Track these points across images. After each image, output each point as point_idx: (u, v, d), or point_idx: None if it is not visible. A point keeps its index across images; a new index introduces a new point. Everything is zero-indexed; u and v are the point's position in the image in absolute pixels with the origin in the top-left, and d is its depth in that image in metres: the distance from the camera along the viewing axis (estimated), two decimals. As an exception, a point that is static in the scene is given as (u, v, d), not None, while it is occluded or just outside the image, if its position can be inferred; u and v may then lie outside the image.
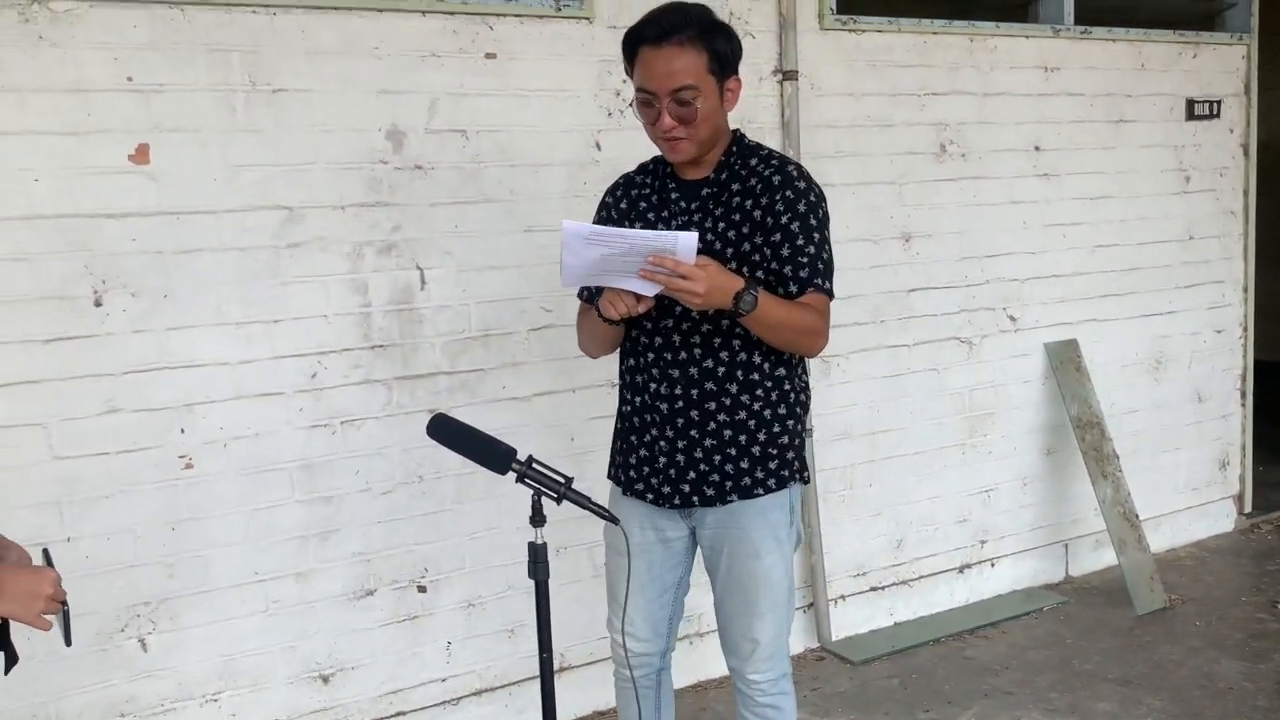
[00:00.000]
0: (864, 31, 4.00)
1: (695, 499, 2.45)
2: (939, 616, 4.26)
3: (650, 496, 2.49)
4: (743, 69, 3.68)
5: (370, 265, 3.20)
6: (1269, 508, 5.33)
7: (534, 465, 2.23)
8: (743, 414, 2.41)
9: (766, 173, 2.37)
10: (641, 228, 2.41)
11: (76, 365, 2.88)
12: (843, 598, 4.13)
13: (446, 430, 2.27)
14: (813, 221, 2.34)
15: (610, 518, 2.27)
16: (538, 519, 2.25)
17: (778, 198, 2.33)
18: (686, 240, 2.11)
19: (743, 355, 2.39)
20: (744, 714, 2.59)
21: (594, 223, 2.49)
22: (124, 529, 2.96)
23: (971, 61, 4.24)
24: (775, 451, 2.43)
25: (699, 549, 2.57)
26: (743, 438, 2.41)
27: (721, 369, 2.39)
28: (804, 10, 3.84)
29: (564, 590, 3.56)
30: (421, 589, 3.37)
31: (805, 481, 2.51)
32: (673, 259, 2.11)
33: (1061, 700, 3.59)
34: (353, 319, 3.19)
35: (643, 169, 2.54)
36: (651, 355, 2.44)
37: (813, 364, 3.97)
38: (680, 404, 2.42)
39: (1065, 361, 4.51)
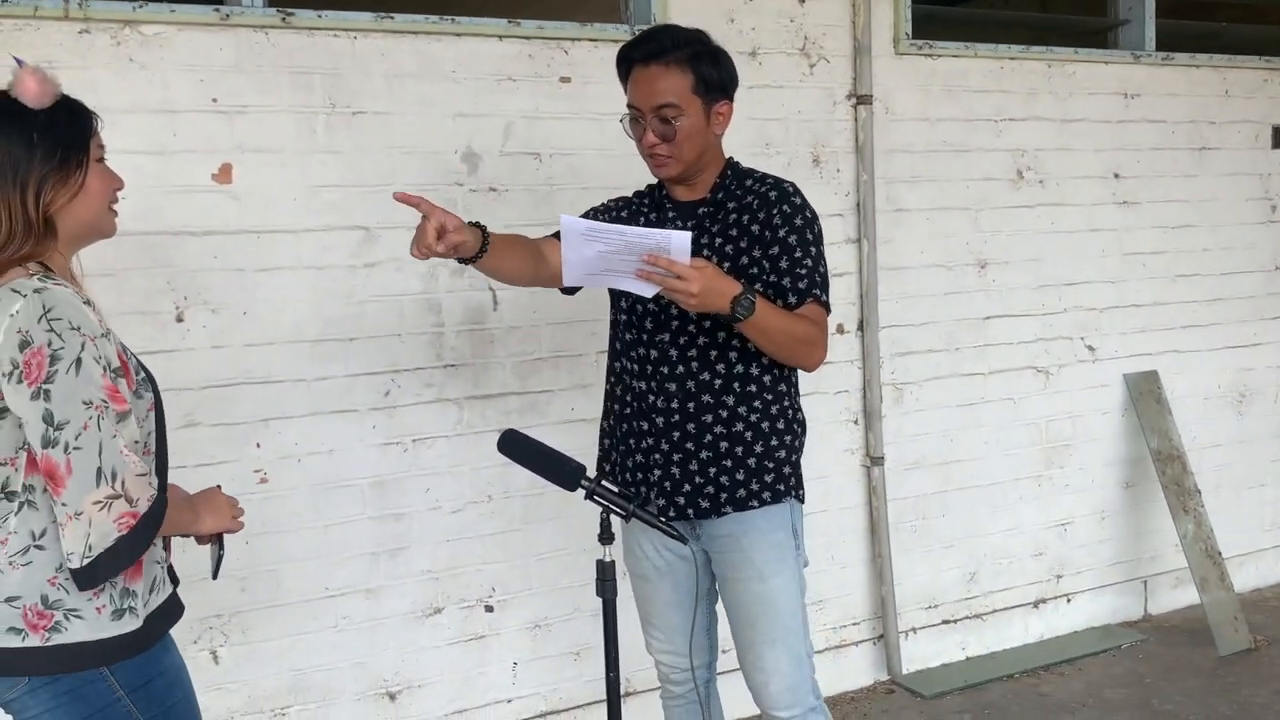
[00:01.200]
0: (939, 56, 3.97)
1: (690, 511, 2.44)
2: (1012, 652, 4.17)
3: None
4: (816, 93, 3.76)
5: (444, 285, 3.23)
6: None
7: (603, 483, 2.23)
8: (739, 426, 2.41)
9: (762, 190, 2.42)
10: None
11: (158, 379, 2.93)
12: (914, 630, 4.06)
13: (517, 446, 2.27)
14: (809, 236, 2.38)
15: (678, 536, 2.25)
16: (606, 536, 2.25)
17: (775, 212, 2.38)
18: (680, 239, 2.09)
19: (740, 368, 2.40)
20: None
21: None
22: (199, 541, 3.00)
23: (1049, 87, 4.19)
24: (771, 465, 2.43)
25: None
26: (739, 449, 2.41)
27: (719, 381, 2.40)
28: (879, 35, 3.83)
29: (630, 613, 3.54)
30: (489, 608, 3.37)
31: (801, 500, 2.50)
32: (666, 258, 2.09)
33: (1141, 741, 3.49)
34: (426, 338, 3.22)
35: (640, 193, 2.60)
36: (649, 367, 2.44)
37: (885, 391, 3.93)
38: (676, 417, 2.41)
39: (1145, 393, 4.40)
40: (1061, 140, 4.22)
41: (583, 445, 3.35)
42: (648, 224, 2.48)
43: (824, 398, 3.83)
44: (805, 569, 2.53)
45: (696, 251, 2.30)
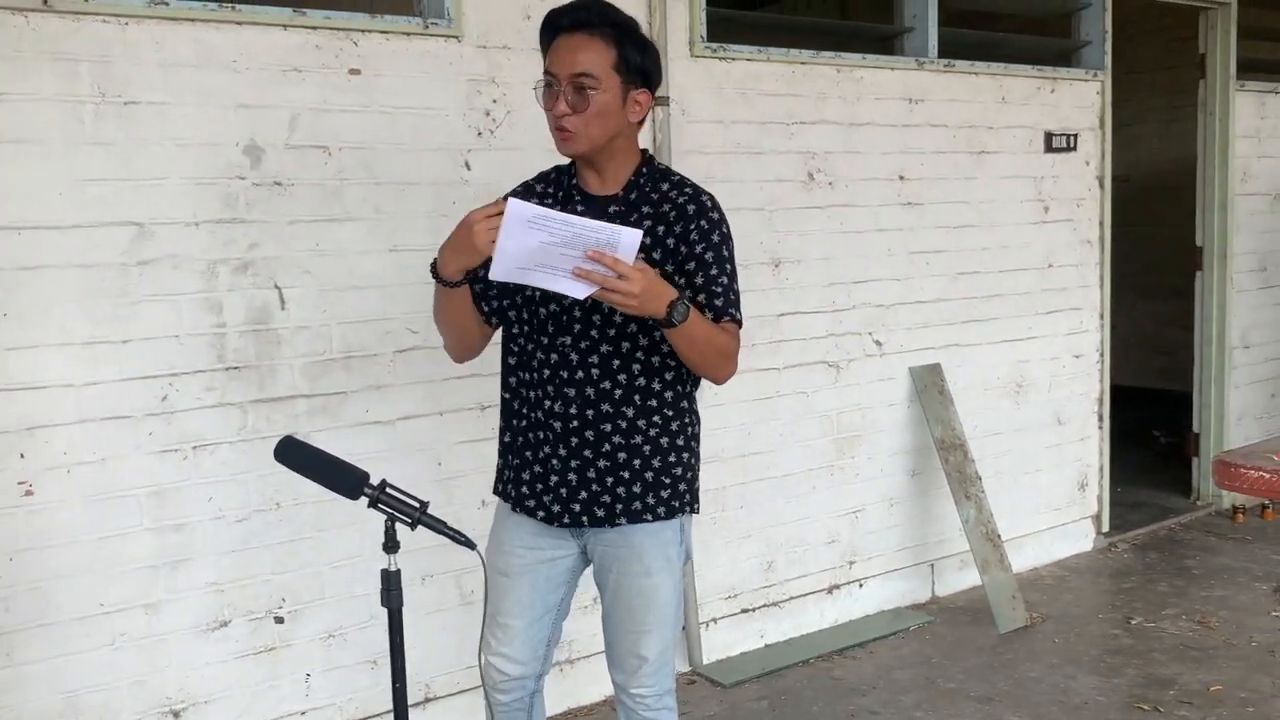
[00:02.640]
0: (734, 60, 4.05)
1: (585, 519, 2.43)
2: (809, 638, 4.30)
3: (541, 514, 2.47)
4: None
5: (225, 284, 3.10)
6: (1126, 527, 5.53)
7: (388, 490, 2.19)
8: (638, 439, 2.40)
9: (680, 200, 2.38)
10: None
11: (-97, 387, 2.72)
12: (714, 620, 4.14)
13: (295, 454, 2.20)
14: (725, 253, 2.38)
15: (466, 542, 2.22)
16: (391, 545, 2.21)
17: (692, 227, 2.35)
18: (630, 236, 2.08)
19: (641, 380, 2.39)
20: None
21: None
22: (-45, 560, 2.80)
23: (839, 92, 4.33)
24: (668, 480, 2.44)
25: (588, 566, 2.56)
26: (637, 462, 2.41)
27: (619, 391, 2.38)
28: (675, 37, 3.87)
29: (430, 619, 3.49)
30: (279, 619, 3.26)
31: (695, 511, 2.53)
32: (613, 256, 2.07)
33: (925, 719, 3.65)
34: (206, 339, 3.08)
35: (543, 178, 2.50)
36: (547, 372, 2.40)
37: (684, 387, 3.99)
38: (575, 423, 2.39)
39: (929, 385, 4.61)
40: (850, 143, 4.37)
41: (379, 449, 3.31)
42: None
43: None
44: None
45: None
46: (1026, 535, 5.05)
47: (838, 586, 4.46)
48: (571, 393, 2.38)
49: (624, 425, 2.39)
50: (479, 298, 2.43)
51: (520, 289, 2.37)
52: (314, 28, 3.19)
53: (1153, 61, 7.96)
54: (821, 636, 4.31)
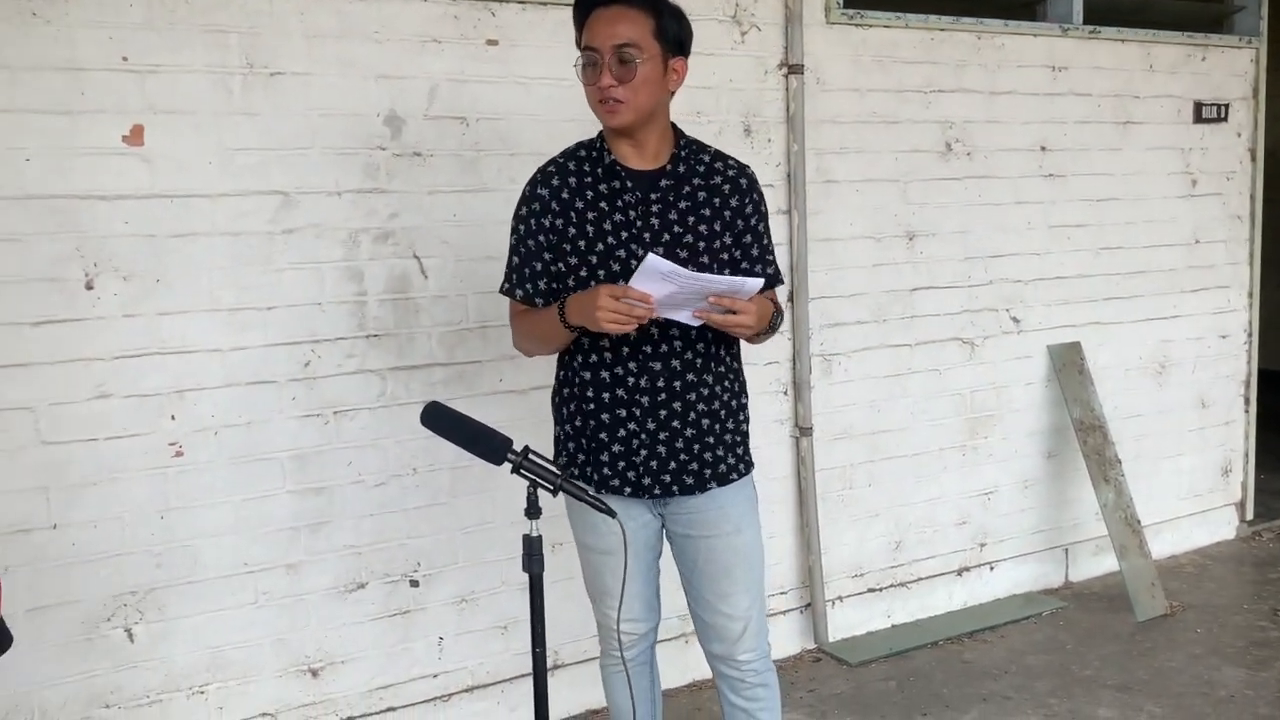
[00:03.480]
0: (870, 26, 3.95)
1: (675, 488, 2.48)
2: (937, 619, 4.22)
3: (629, 490, 2.49)
4: (748, 62, 3.73)
5: (366, 253, 3.15)
6: (1271, 515, 5.29)
7: (530, 456, 2.19)
8: (717, 404, 2.49)
9: (731, 174, 2.48)
10: (604, 226, 2.40)
11: (66, 349, 2.83)
12: (840, 599, 4.08)
13: (441, 418, 2.22)
14: (769, 223, 2.54)
15: (607, 510, 2.22)
16: (533, 511, 2.21)
17: (747, 201, 2.47)
18: (753, 285, 2.25)
19: (714, 347, 2.48)
20: (735, 700, 2.62)
21: (525, 216, 2.46)
22: (112, 516, 2.91)
23: (979, 59, 4.19)
24: (740, 439, 2.56)
25: (670, 544, 2.62)
26: (717, 426, 2.49)
27: (699, 360, 2.45)
28: (810, 4, 3.80)
29: (557, 587, 3.48)
30: (414, 583, 3.32)
31: (753, 467, 2.62)
32: (732, 300, 2.23)
33: (1060, 706, 3.54)
34: (347, 307, 3.14)
35: (572, 156, 2.50)
36: (626, 349, 2.43)
37: (814, 362, 3.94)
38: (663, 396, 2.43)
39: (1068, 364, 4.46)
40: (990, 112, 4.23)
41: (512, 417, 3.33)
42: (598, 196, 2.42)
43: (754, 369, 3.79)
44: None
45: (665, 227, 2.39)
46: (1166, 521, 4.86)
47: (968, 569, 4.36)
48: (657, 366, 2.42)
49: (705, 392, 2.47)
50: (532, 277, 2.48)
51: (584, 271, 2.42)
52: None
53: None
54: (950, 619, 4.22)
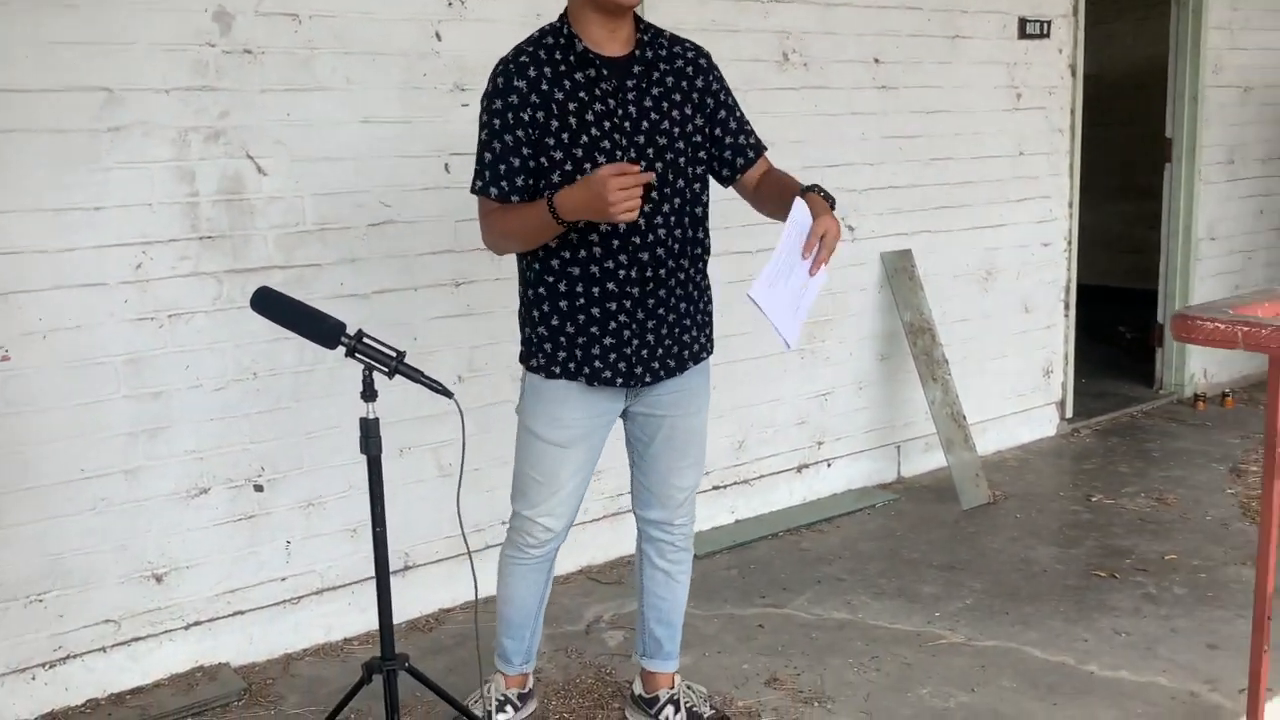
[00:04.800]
0: (708, -65, 4.01)
1: (662, 373, 2.57)
2: (777, 514, 4.41)
3: (620, 381, 2.54)
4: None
5: (197, 153, 3.09)
6: (1089, 414, 5.65)
7: (365, 339, 2.22)
8: (692, 287, 2.59)
9: (691, 55, 2.54)
10: (585, 117, 2.39)
11: (-125, 249, 2.72)
12: (686, 497, 4.23)
13: (271, 302, 2.23)
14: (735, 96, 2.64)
15: (443, 390, 2.27)
16: (369, 394, 2.25)
17: (711, 79, 2.55)
18: (801, 212, 2.34)
19: (690, 230, 2.54)
20: (659, 563, 2.83)
21: (501, 110, 2.38)
22: (-66, 423, 2.83)
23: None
24: (708, 318, 2.69)
25: (628, 421, 2.70)
26: (693, 309, 2.60)
27: (678, 245, 2.52)
28: (648, -90, 3.83)
29: (408, 490, 3.56)
30: (258, 488, 3.31)
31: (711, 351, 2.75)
32: (820, 240, 2.33)
33: (889, 585, 3.77)
34: (179, 208, 3.08)
35: (540, 44, 2.43)
36: (616, 241, 2.44)
37: (657, 267, 4.02)
38: (651, 284, 2.49)
39: (900, 271, 4.66)
40: (826, 24, 4.35)
41: (354, 322, 3.25)
42: (577, 85, 2.39)
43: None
44: None
45: (643, 114, 2.42)
46: (991, 419, 5.15)
47: (806, 466, 4.56)
48: (645, 256, 2.46)
49: (683, 277, 2.55)
50: (509, 174, 2.41)
51: (570, 165, 2.39)
52: (281, -109, 3.14)
53: (1130, -44, 7.90)
54: (790, 513, 4.42)
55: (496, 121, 2.39)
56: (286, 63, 3.18)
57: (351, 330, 2.22)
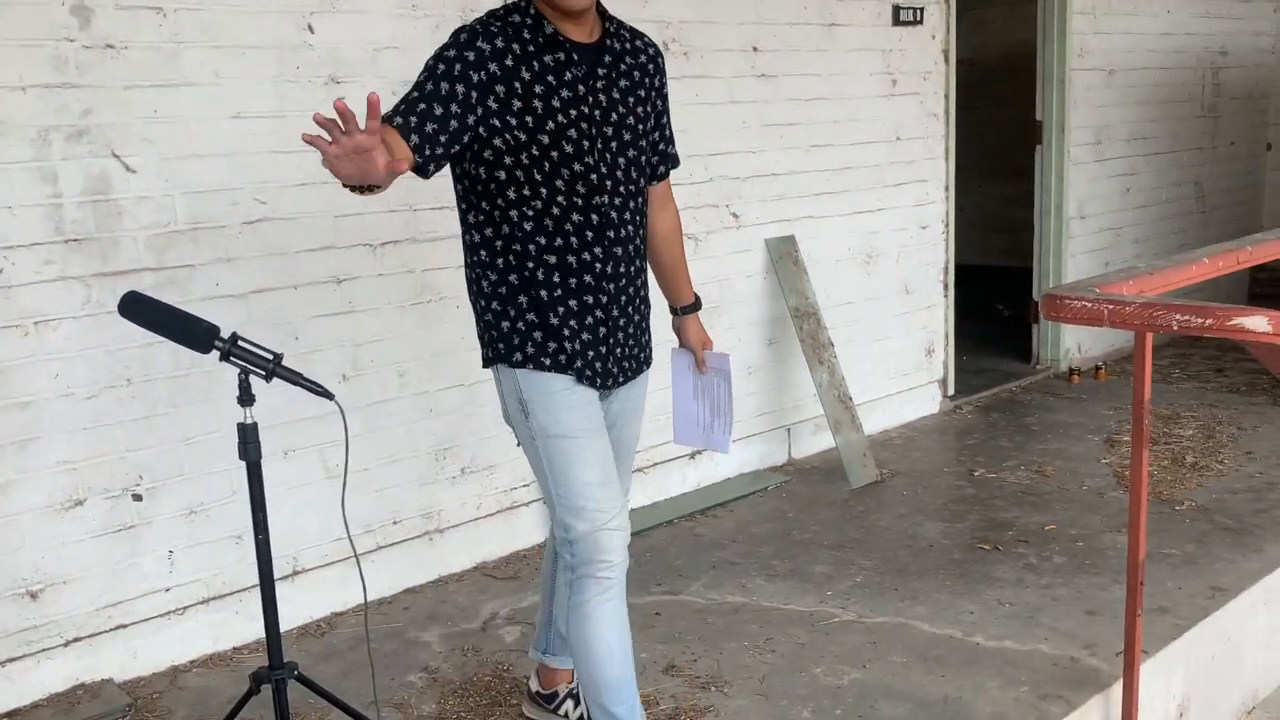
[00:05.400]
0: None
1: (621, 378, 2.48)
2: (672, 500, 4.44)
3: (598, 381, 2.41)
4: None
5: (59, 153, 2.96)
6: (970, 391, 5.82)
7: (240, 343, 2.17)
8: (646, 289, 2.53)
9: (651, 51, 2.47)
10: (552, 102, 2.24)
11: None
12: (580, 488, 4.22)
13: (140, 307, 2.16)
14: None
15: (324, 392, 2.22)
16: (246, 398, 2.19)
17: (660, 79, 2.49)
18: (680, 362, 2.79)
19: (644, 229, 2.49)
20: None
21: (453, 60, 2.16)
22: None
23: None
24: (650, 323, 2.61)
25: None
26: (647, 309, 2.55)
27: (642, 241, 2.46)
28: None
29: (294, 493, 3.48)
30: (137, 497, 3.21)
31: None
32: (698, 365, 2.74)
33: (782, 566, 3.83)
34: (42, 210, 2.96)
35: (507, 20, 2.25)
36: (590, 234, 2.33)
37: (543, 259, 4.00)
38: (623, 281, 2.40)
39: (784, 256, 4.73)
40: (704, 13, 4.37)
41: (231, 324, 3.21)
42: (546, 68, 2.24)
43: (484, 267, 3.85)
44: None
45: (612, 105, 2.33)
46: (877, 400, 5.27)
47: (699, 452, 4.60)
48: (619, 251, 2.37)
49: (644, 278, 2.50)
50: (426, 140, 2.11)
51: (535, 150, 2.25)
52: (139, -121, 3.03)
53: (998, -56, 8.13)
54: (684, 499, 4.46)
55: (441, 67, 2.15)
56: (152, 58, 3.08)
57: (226, 333, 2.16)
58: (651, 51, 2.47)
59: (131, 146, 3.07)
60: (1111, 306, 2.27)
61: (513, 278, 2.34)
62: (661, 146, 2.54)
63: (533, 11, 2.26)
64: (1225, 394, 5.75)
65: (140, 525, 3.23)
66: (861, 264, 5.13)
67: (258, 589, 3.37)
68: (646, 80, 2.43)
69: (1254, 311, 2.12)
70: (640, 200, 2.43)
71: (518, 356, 2.36)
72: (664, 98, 2.51)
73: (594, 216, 2.33)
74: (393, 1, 3.49)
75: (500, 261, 2.34)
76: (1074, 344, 6.32)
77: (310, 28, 3.34)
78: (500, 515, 3.98)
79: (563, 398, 2.37)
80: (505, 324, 2.37)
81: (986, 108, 8.27)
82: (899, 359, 5.37)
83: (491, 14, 2.26)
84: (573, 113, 2.27)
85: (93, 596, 3.16)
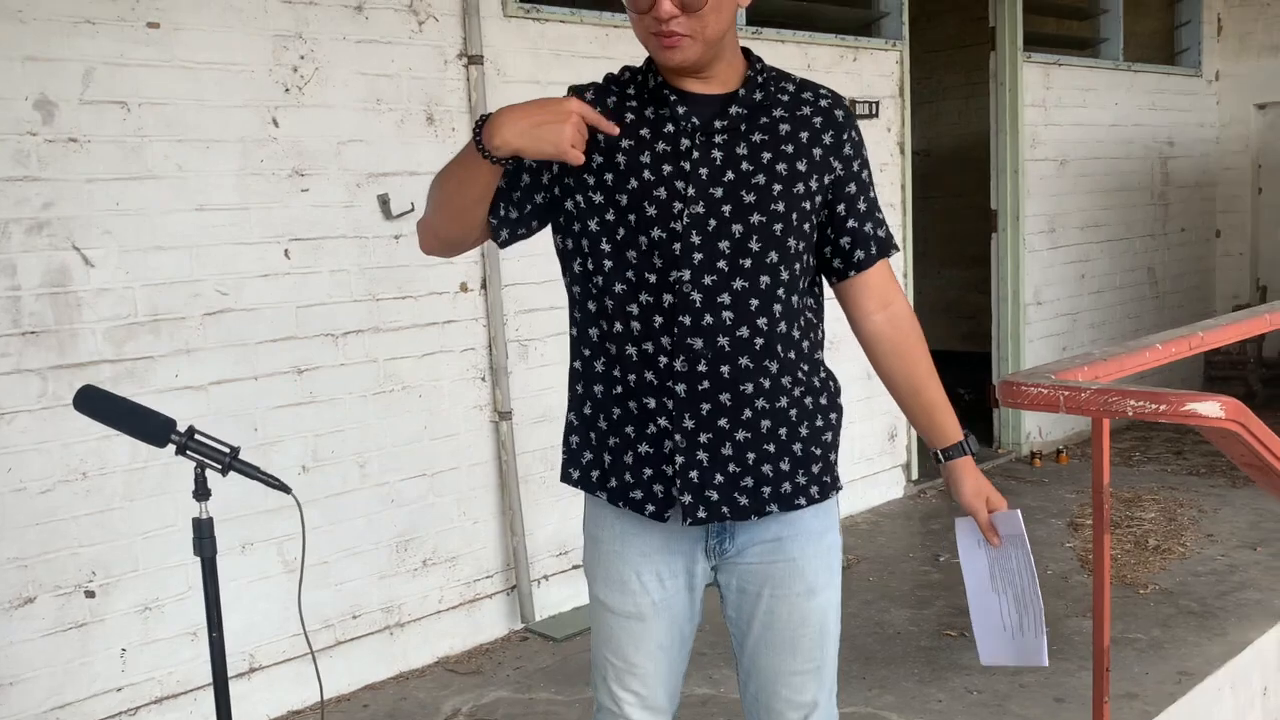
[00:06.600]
0: (547, 21, 4.08)
1: (726, 509, 1.88)
2: (638, 591, 4.39)
3: (651, 508, 1.89)
4: (427, 51, 3.76)
5: (18, 245, 2.96)
6: (934, 475, 5.83)
7: (196, 436, 2.14)
8: (784, 400, 1.90)
9: (823, 103, 1.92)
10: (640, 158, 1.84)
11: None
12: (545, 578, 4.18)
13: (95, 401, 2.14)
14: (871, 170, 1.99)
15: (280, 486, 2.19)
16: (202, 493, 2.16)
17: (845, 138, 1.90)
18: (966, 534, 2.08)
19: (783, 325, 1.88)
20: None
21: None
22: None
23: (652, 55, 4.40)
24: (819, 450, 1.95)
25: (722, 591, 2.04)
26: (783, 431, 1.90)
27: (759, 340, 1.85)
28: (487, -3, 3.88)
29: (253, 587, 3.42)
30: (89, 594, 3.14)
31: (840, 489, 2.05)
32: (986, 533, 2.03)
33: (749, 657, 3.78)
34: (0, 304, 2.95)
35: (615, 80, 1.93)
36: (659, 319, 1.83)
37: (511, 348, 4.01)
38: (705, 384, 1.84)
39: (748, 342, 4.75)
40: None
41: (190, 415, 3.21)
42: (640, 122, 1.86)
43: (451, 355, 3.86)
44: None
45: (729, 163, 1.84)
46: (844, 485, 5.25)
47: (665, 540, 4.56)
48: (699, 344, 1.83)
49: (767, 384, 1.87)
50: (499, 197, 1.88)
51: (610, 214, 1.85)
52: (107, -22, 3.07)
53: (951, 40, 8.39)
54: (650, 589, 4.41)
55: None
56: (115, 151, 3.09)
57: (182, 426, 2.14)
58: (825, 104, 1.91)
59: (92, 239, 3.07)
60: (1067, 393, 2.30)
61: (575, 364, 1.98)
62: (852, 224, 1.92)
63: (647, 66, 1.91)
64: (1185, 476, 5.81)
65: (92, 623, 3.15)
66: (827, 350, 5.15)
67: (212, 688, 3.32)
68: (805, 135, 1.87)
69: (1206, 397, 2.15)
70: (765, 280, 1.85)
71: (566, 469, 2.01)
72: (847, 162, 1.91)
73: (667, 297, 1.83)
74: (357, 95, 3.54)
75: (573, 353, 1.99)
76: (1035, 428, 6.37)
77: (275, 121, 3.37)
78: (463, 608, 3.92)
79: (611, 563, 1.97)
80: (570, 413, 2.02)
81: (944, 196, 8.45)
82: (863, 444, 5.39)
83: (604, 76, 1.96)
84: (666, 168, 1.83)
85: (41, 698, 3.07)
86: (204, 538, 2.17)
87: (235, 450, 2.15)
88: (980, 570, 2.05)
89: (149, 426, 2.11)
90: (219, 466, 2.13)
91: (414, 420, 3.72)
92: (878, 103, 5.32)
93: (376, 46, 3.61)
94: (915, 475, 5.69)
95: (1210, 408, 2.13)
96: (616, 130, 1.80)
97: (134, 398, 3.07)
